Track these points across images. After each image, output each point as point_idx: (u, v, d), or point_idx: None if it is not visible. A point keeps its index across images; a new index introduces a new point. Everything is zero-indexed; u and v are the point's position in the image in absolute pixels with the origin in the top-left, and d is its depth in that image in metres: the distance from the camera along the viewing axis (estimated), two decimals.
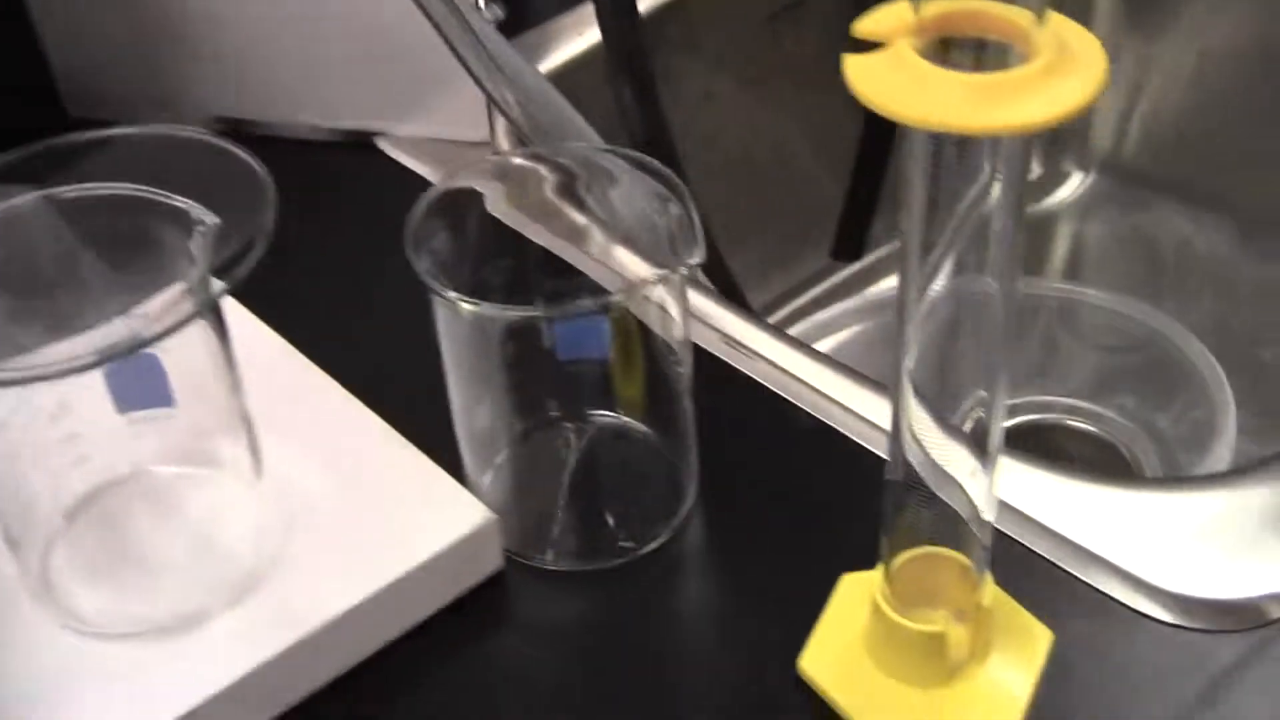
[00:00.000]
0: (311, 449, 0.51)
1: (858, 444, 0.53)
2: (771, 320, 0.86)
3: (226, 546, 0.49)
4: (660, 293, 0.47)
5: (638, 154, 0.49)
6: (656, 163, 0.48)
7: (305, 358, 0.55)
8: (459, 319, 0.47)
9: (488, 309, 0.45)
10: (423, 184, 0.66)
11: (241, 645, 0.45)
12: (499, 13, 0.76)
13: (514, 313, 0.46)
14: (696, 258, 0.45)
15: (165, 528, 0.49)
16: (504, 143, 0.65)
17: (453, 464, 0.50)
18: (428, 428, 0.51)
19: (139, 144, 0.45)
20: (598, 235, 0.52)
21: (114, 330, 0.43)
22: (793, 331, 0.87)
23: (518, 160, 0.51)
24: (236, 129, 0.70)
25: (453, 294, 0.44)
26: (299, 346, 0.55)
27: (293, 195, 0.68)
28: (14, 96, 0.64)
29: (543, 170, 0.50)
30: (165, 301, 0.41)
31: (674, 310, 0.48)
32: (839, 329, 0.88)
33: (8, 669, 0.45)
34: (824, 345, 0.87)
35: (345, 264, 0.64)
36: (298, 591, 0.47)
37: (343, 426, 0.52)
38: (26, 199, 0.44)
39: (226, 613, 0.46)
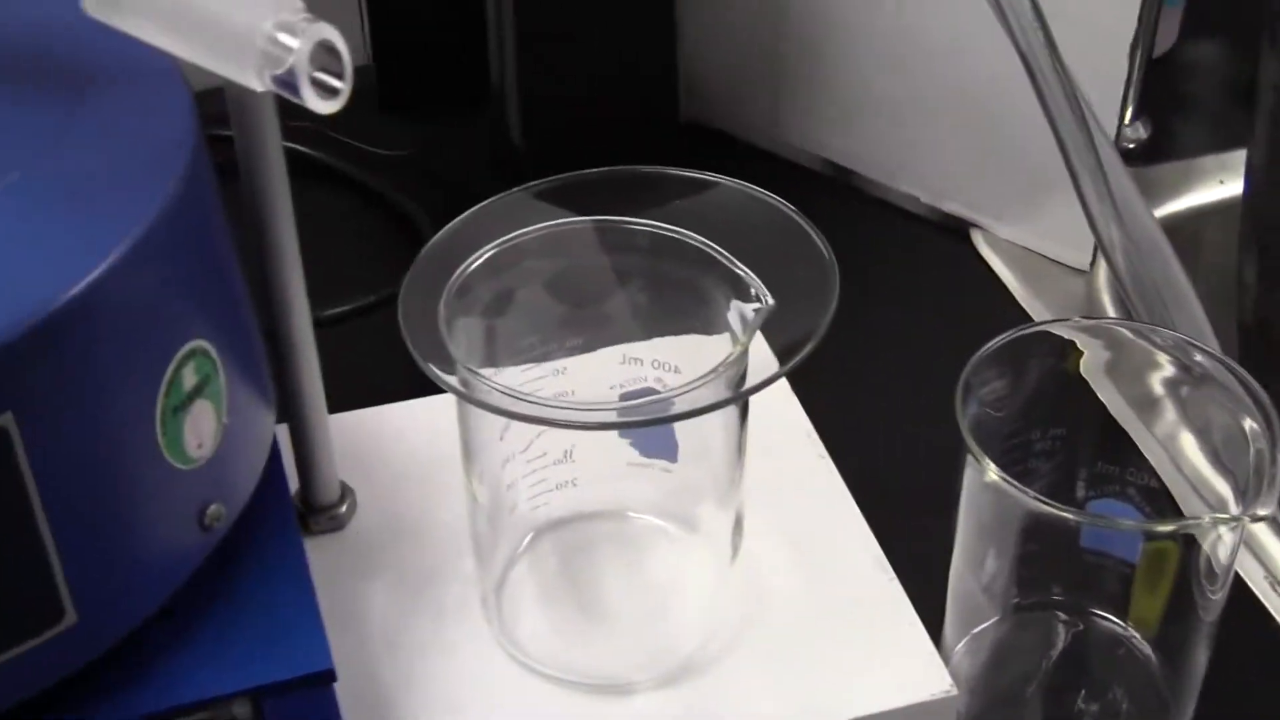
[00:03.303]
0: (792, 547, 0.48)
1: None
2: None
3: (680, 621, 0.46)
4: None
5: (1229, 361, 0.43)
6: (1248, 377, 0.42)
7: (820, 443, 0.51)
8: (985, 483, 0.42)
9: (1018, 495, 0.40)
10: (1003, 291, 0.61)
11: None
12: (1141, 132, 0.70)
13: (1044, 505, 0.41)
14: (1266, 509, 0.39)
15: (625, 577, 0.48)
16: (1102, 279, 0.60)
17: (931, 618, 0.46)
18: (925, 567, 0.47)
19: (717, 195, 0.44)
20: (1185, 443, 0.45)
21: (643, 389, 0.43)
22: None
23: (1126, 332, 0.45)
24: (838, 175, 0.68)
25: (989, 463, 0.40)
26: (823, 428, 0.52)
27: (869, 265, 0.65)
28: (636, 85, 0.64)
29: (1149, 348, 0.45)
30: (699, 375, 0.39)
31: (1228, 540, 0.42)
32: None
33: (436, 667, 0.45)
34: None
35: (899, 348, 0.60)
36: (726, 698, 0.44)
37: (833, 534, 0.49)
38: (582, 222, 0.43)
39: (651, 690, 0.44)
